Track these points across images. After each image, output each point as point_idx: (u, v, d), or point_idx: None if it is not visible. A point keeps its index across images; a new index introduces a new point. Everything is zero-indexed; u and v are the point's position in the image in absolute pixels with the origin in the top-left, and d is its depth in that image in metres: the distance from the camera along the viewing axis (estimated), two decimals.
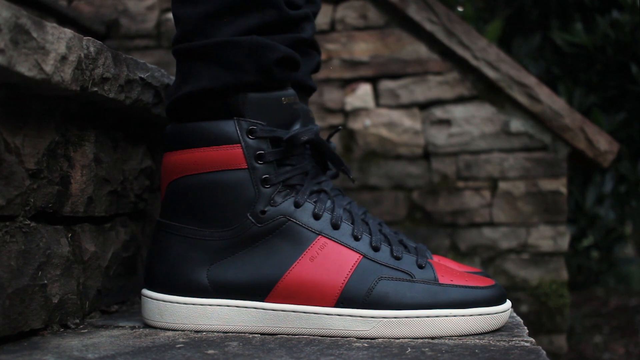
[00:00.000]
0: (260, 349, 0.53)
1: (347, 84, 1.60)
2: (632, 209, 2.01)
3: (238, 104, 0.61)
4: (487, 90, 1.54)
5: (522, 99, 1.49)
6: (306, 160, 0.65)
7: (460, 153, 1.55)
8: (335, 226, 0.61)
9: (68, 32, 0.55)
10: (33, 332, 0.58)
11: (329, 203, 0.63)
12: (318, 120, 1.60)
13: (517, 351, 0.51)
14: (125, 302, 0.76)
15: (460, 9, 2.16)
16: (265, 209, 0.60)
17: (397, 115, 1.57)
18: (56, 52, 0.53)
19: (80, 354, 0.52)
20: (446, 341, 0.56)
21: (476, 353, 0.51)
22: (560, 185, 1.50)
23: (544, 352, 0.51)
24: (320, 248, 0.60)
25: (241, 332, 0.60)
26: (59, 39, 0.53)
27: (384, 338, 0.57)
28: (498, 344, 0.54)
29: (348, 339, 0.57)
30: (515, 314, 0.67)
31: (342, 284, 0.58)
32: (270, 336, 0.59)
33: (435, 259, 0.95)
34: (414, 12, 1.54)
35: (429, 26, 1.53)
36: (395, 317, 0.57)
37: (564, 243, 1.50)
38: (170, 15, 1.71)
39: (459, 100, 1.55)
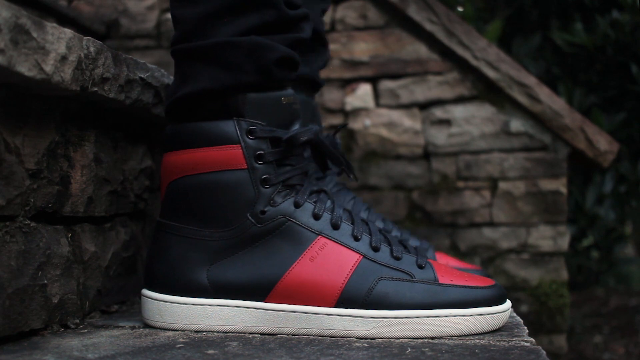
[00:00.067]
0: (260, 349, 0.53)
1: (347, 84, 1.60)
2: (632, 209, 2.01)
3: (238, 104, 0.61)
4: (487, 90, 1.54)
5: (522, 99, 1.49)
6: (306, 160, 0.65)
7: (460, 153, 1.55)
8: (335, 226, 0.61)
9: (68, 32, 0.55)
10: (33, 332, 0.58)
11: (328, 203, 0.63)
12: None
13: (517, 351, 0.51)
14: (125, 302, 0.76)
15: (460, 9, 2.16)
16: (265, 209, 0.60)
17: (397, 115, 1.57)
18: (56, 52, 0.53)
19: (80, 354, 0.52)
20: (446, 341, 0.56)
21: (476, 353, 0.51)
22: (560, 185, 1.50)
23: (544, 352, 0.51)
24: (320, 248, 0.60)
25: (241, 332, 0.60)
26: (59, 39, 0.53)
27: (384, 338, 0.57)
28: (498, 344, 0.54)
29: (348, 339, 0.57)
30: (515, 314, 0.67)
31: (342, 284, 0.58)
32: (270, 336, 0.59)
33: (438, 255, 0.96)
34: (414, 12, 1.54)
35: (429, 26, 1.53)
36: (395, 317, 0.57)
37: (564, 243, 1.50)
38: (170, 15, 1.71)
39: (459, 100, 1.55)
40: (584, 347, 1.87)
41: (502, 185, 1.52)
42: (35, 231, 0.58)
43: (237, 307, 0.60)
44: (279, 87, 0.63)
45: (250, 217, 0.60)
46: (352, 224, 0.62)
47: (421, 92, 1.57)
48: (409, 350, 0.52)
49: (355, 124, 1.59)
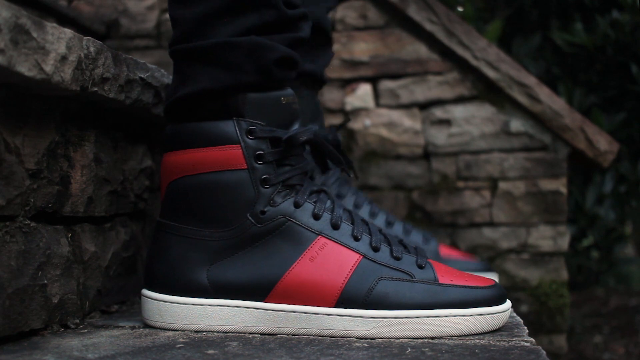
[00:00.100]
0: (260, 349, 0.53)
1: (347, 84, 1.60)
2: (632, 209, 2.01)
3: (237, 104, 0.61)
4: (487, 90, 1.54)
5: (522, 99, 1.49)
6: (306, 160, 0.65)
7: (460, 153, 1.55)
8: (335, 226, 0.61)
9: (68, 32, 0.55)
10: (33, 332, 0.58)
11: (328, 203, 0.63)
12: None
13: (517, 351, 0.51)
14: (125, 302, 0.76)
15: (460, 9, 2.16)
16: (265, 209, 0.60)
17: (397, 115, 1.57)
18: (56, 52, 0.53)
19: (80, 354, 0.52)
20: (446, 341, 0.56)
21: (476, 353, 0.51)
22: (560, 185, 1.50)
23: (544, 352, 0.51)
24: (320, 248, 0.60)
25: (241, 332, 0.60)
26: (59, 39, 0.53)
27: (384, 338, 0.57)
28: (498, 344, 0.54)
29: (348, 339, 0.57)
30: (515, 314, 0.67)
31: (342, 284, 0.58)
32: (270, 336, 0.59)
33: (441, 248, 0.96)
34: (414, 12, 1.54)
35: (429, 26, 1.53)
36: (395, 317, 0.57)
37: (564, 243, 1.50)
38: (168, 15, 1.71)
39: (459, 100, 1.55)
40: (584, 347, 1.87)
41: (502, 185, 1.52)
42: (35, 231, 0.58)
43: (237, 307, 0.60)
44: (279, 87, 0.63)
45: (250, 217, 0.60)
46: (352, 224, 0.62)
47: (421, 92, 1.57)
48: (409, 350, 0.52)
49: (355, 124, 1.59)
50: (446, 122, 1.55)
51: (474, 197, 1.53)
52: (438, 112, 1.56)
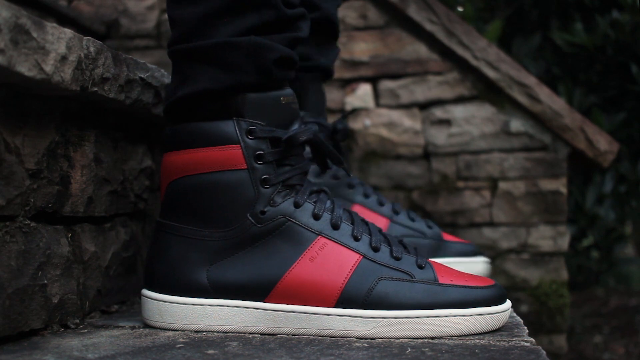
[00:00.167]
0: (260, 349, 0.53)
1: (347, 84, 1.60)
2: (632, 209, 2.01)
3: (237, 104, 0.61)
4: (487, 90, 1.54)
5: (522, 99, 1.49)
6: (305, 160, 0.65)
7: (460, 153, 1.55)
8: (335, 226, 0.61)
9: (68, 32, 0.55)
10: (33, 332, 0.58)
11: (328, 203, 0.63)
12: None
13: (517, 351, 0.51)
14: (125, 302, 0.76)
15: (460, 9, 2.16)
16: (265, 209, 0.60)
17: (397, 115, 1.57)
18: (56, 52, 0.53)
19: (80, 354, 0.52)
20: (446, 341, 0.56)
21: (476, 353, 0.51)
22: (560, 185, 1.50)
23: (544, 352, 0.51)
24: (320, 248, 0.60)
25: (241, 332, 0.60)
26: (59, 39, 0.53)
27: (384, 338, 0.57)
28: (498, 344, 0.54)
29: (348, 339, 0.57)
30: (515, 314, 0.67)
31: (342, 284, 0.58)
32: (270, 336, 0.59)
33: (443, 234, 0.98)
34: (414, 12, 1.54)
35: (429, 26, 1.53)
36: (395, 317, 0.57)
37: (564, 243, 1.50)
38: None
39: (459, 100, 1.55)
40: (584, 347, 1.87)
41: (502, 185, 1.52)
42: (35, 231, 0.58)
43: (237, 307, 0.60)
44: (279, 87, 0.63)
45: (250, 217, 0.60)
46: (352, 224, 0.62)
47: (421, 92, 1.57)
48: (409, 350, 0.52)
49: (355, 124, 1.59)
50: (446, 122, 1.55)
51: (474, 197, 1.53)
52: (438, 112, 1.56)
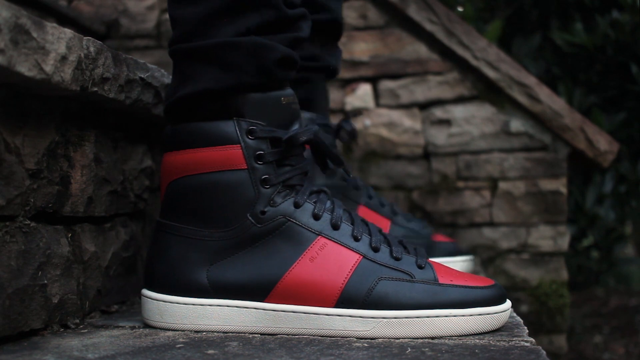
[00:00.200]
0: (260, 349, 0.53)
1: (347, 84, 1.60)
2: (632, 209, 2.01)
3: (238, 104, 0.61)
4: (487, 90, 1.54)
5: (522, 99, 1.49)
6: (306, 160, 0.65)
7: (460, 153, 1.55)
8: (335, 226, 0.61)
9: (68, 32, 0.55)
10: (33, 332, 0.58)
11: (328, 203, 0.63)
12: None
13: (517, 351, 0.51)
14: (125, 302, 0.76)
15: (460, 9, 2.16)
16: (265, 210, 0.60)
17: (397, 115, 1.57)
18: (56, 52, 0.53)
19: (80, 354, 0.52)
20: (446, 341, 0.56)
21: (476, 353, 0.51)
22: (560, 185, 1.50)
23: (544, 352, 0.51)
24: (320, 248, 0.60)
25: (241, 332, 0.60)
26: (59, 39, 0.53)
27: (384, 338, 0.57)
28: (498, 344, 0.54)
29: (348, 339, 0.57)
30: (515, 314, 0.67)
31: (342, 284, 0.58)
32: (270, 336, 0.59)
33: (435, 235, 1.01)
34: (414, 12, 1.54)
35: (429, 26, 1.53)
36: (395, 317, 0.57)
37: (564, 243, 1.50)
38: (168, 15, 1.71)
39: (459, 100, 1.55)
40: (584, 347, 1.87)
41: (502, 185, 1.52)
42: (35, 231, 0.58)
43: (237, 307, 0.60)
44: (279, 87, 0.63)
45: (250, 217, 0.60)
46: (352, 224, 0.62)
47: (421, 92, 1.57)
48: (409, 350, 0.52)
49: (355, 124, 1.59)
50: (446, 122, 1.55)
51: (474, 197, 1.53)
52: (438, 112, 1.56)
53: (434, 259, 0.96)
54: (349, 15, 1.60)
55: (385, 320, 0.57)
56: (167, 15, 1.72)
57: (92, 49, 0.59)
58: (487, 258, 1.53)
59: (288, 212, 0.61)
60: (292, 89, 0.65)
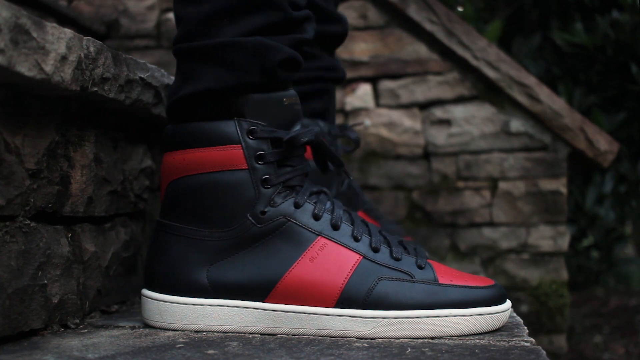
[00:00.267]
0: (260, 349, 0.53)
1: (347, 84, 1.60)
2: (632, 209, 2.01)
3: (239, 104, 0.61)
4: (487, 90, 1.54)
5: (522, 99, 1.49)
6: (306, 161, 0.65)
7: (460, 153, 1.55)
8: (335, 227, 0.61)
9: (68, 32, 0.55)
10: (33, 332, 0.58)
11: (328, 204, 0.63)
12: None
13: (517, 351, 0.51)
14: (125, 302, 0.76)
15: (460, 9, 2.16)
16: (265, 210, 0.60)
17: (397, 115, 1.57)
18: (56, 52, 0.53)
19: (80, 354, 0.52)
20: (446, 341, 0.56)
21: (476, 353, 0.51)
22: (560, 185, 1.50)
23: (544, 352, 0.51)
24: (320, 249, 0.59)
25: (241, 332, 0.60)
26: (59, 39, 0.53)
27: (384, 338, 0.57)
28: (498, 344, 0.54)
29: (348, 339, 0.57)
30: (515, 314, 0.67)
31: (342, 284, 0.58)
32: (270, 336, 0.59)
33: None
34: (414, 12, 1.54)
35: (429, 26, 1.53)
36: (395, 318, 0.57)
37: (564, 243, 1.50)
38: (170, 15, 1.71)
39: (459, 100, 1.55)
40: (584, 347, 1.87)
41: (502, 185, 1.52)
42: (35, 231, 0.58)
43: (237, 307, 0.60)
44: (282, 87, 0.63)
45: (250, 218, 0.60)
46: (352, 224, 0.62)
47: (421, 92, 1.57)
48: (409, 350, 0.52)
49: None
50: (446, 122, 1.55)
51: (474, 197, 1.53)
52: (438, 112, 1.56)
53: None
54: (349, 15, 1.60)
55: (385, 320, 0.57)
56: (167, 15, 1.72)
57: (92, 49, 0.59)
58: (487, 258, 1.53)
59: (288, 213, 0.60)
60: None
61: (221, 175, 0.60)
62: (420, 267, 0.60)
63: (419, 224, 1.56)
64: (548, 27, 2.04)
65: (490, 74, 1.50)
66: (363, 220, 0.65)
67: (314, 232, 0.60)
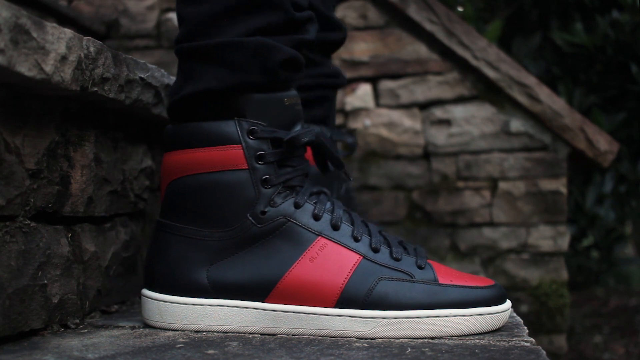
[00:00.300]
0: (260, 349, 0.53)
1: (347, 84, 1.60)
2: (632, 209, 2.01)
3: (239, 104, 0.61)
4: (487, 90, 1.54)
5: (522, 99, 1.49)
6: (307, 161, 0.65)
7: (460, 153, 1.55)
8: (335, 227, 0.61)
9: (68, 32, 0.55)
10: (33, 332, 0.58)
11: (328, 204, 0.63)
12: None
13: (517, 351, 0.51)
14: (125, 302, 0.76)
15: (460, 9, 2.16)
16: (266, 210, 0.60)
17: (397, 115, 1.57)
18: (56, 52, 0.53)
19: (80, 354, 0.52)
20: (446, 341, 0.56)
21: (476, 353, 0.51)
22: (560, 185, 1.50)
23: (544, 352, 0.51)
24: (320, 249, 0.59)
25: (241, 332, 0.60)
26: (59, 39, 0.53)
27: (384, 338, 0.57)
28: (498, 344, 0.54)
29: (348, 339, 0.57)
30: (515, 314, 0.67)
31: (342, 284, 0.58)
32: (270, 336, 0.59)
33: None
34: (414, 12, 1.54)
35: (429, 26, 1.53)
36: (395, 318, 0.57)
37: (564, 243, 1.50)
38: (170, 15, 1.72)
39: (459, 100, 1.55)
40: (584, 347, 1.87)
41: (502, 185, 1.52)
42: (35, 231, 0.58)
43: (237, 307, 0.60)
44: (283, 88, 0.63)
45: (250, 218, 0.60)
46: (352, 224, 0.62)
47: (421, 92, 1.57)
48: (409, 350, 0.52)
49: (355, 124, 1.59)
50: (446, 122, 1.55)
51: (474, 197, 1.53)
52: (438, 112, 1.56)
53: None
54: (349, 15, 1.60)
55: (385, 320, 0.57)
56: (167, 15, 1.72)
57: (92, 49, 0.59)
58: (487, 258, 1.53)
59: (288, 213, 0.60)
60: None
61: (221, 175, 0.60)
62: (420, 267, 0.60)
63: (419, 224, 1.56)
64: (548, 27, 2.05)
65: (490, 74, 1.50)
66: (363, 221, 0.65)
67: (314, 232, 0.60)
